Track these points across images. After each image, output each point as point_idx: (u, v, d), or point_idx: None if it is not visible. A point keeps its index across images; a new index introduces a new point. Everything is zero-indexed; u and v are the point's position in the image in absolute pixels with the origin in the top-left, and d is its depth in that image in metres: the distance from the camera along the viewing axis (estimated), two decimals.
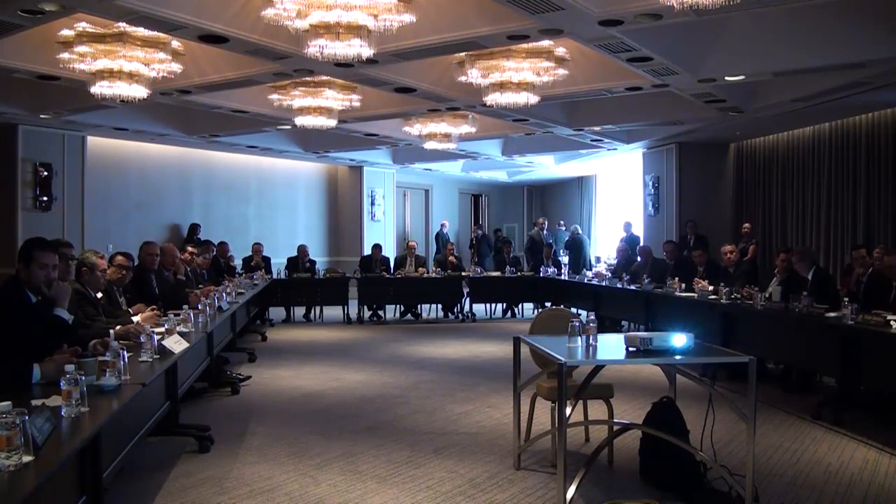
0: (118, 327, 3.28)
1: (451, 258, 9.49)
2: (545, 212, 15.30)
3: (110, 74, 4.81)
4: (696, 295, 5.68)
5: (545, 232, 12.40)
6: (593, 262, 11.20)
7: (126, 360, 2.54)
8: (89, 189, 8.36)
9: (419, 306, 9.31)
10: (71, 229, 7.91)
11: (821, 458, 3.37)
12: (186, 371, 3.74)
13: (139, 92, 5.02)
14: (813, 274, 4.92)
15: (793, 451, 3.47)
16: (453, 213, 14.42)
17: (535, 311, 9.36)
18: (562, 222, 13.20)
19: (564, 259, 10.69)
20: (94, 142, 8.59)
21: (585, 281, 8.07)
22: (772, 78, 5.67)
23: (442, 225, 12.70)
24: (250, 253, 9.07)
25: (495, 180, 14.31)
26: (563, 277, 8.83)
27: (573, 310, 7.71)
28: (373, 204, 11.97)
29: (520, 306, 9.66)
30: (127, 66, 4.81)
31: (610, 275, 7.83)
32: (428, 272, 9.20)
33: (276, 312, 8.86)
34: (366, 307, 8.90)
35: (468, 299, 9.26)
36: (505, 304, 9.58)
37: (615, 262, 9.12)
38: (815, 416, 4.01)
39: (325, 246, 11.94)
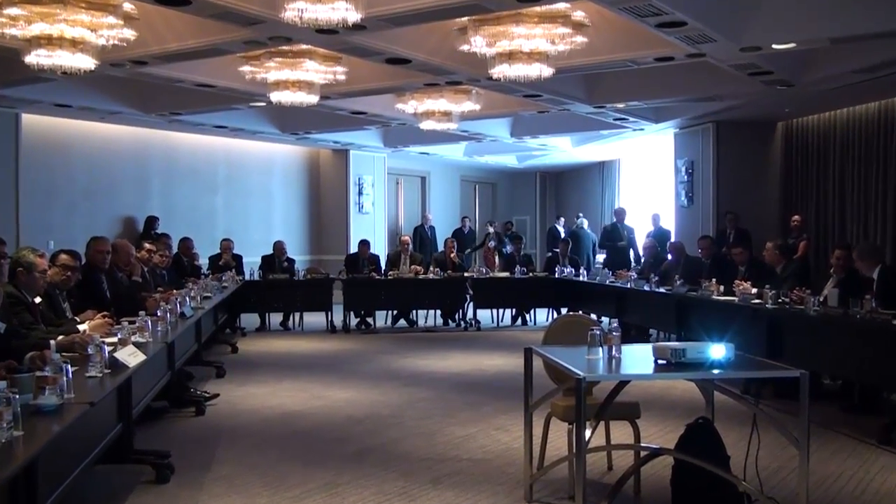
0: (61, 337, 3.27)
1: (451, 256, 9.54)
2: (561, 202, 15.32)
3: (49, 42, 4.67)
4: (736, 299, 5.65)
5: (560, 226, 12.42)
6: (597, 259, 11.28)
7: (70, 375, 2.52)
8: (25, 176, 8.26)
9: (415, 312, 9.36)
10: (3, 223, 7.77)
11: (891, 489, 3.32)
12: (143, 388, 3.74)
13: (85, 62, 4.86)
14: (879, 273, 4.82)
15: (856, 482, 3.42)
16: (453, 203, 14.44)
17: (550, 318, 9.36)
18: (580, 215, 13.09)
19: (599, 257, 10.61)
20: (31, 121, 8.46)
21: (608, 282, 8.10)
22: (828, 45, 5.61)
23: (423, 220, 12.54)
24: (218, 250, 9.08)
25: (503, 166, 14.33)
26: (581, 278, 8.87)
27: (593, 316, 7.75)
28: (360, 193, 12.00)
29: (532, 312, 9.69)
30: (69, 32, 4.67)
31: (635, 276, 7.84)
32: (426, 272, 9.23)
33: (249, 320, 8.89)
34: (352, 313, 8.95)
35: (472, 304, 9.29)
36: (514, 310, 9.61)
37: (642, 260, 9.14)
38: (883, 440, 3.96)
39: (306, 242, 11.96)
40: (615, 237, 10.28)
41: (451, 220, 13.51)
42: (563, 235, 11.46)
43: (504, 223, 13.76)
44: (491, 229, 11.92)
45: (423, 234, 12.06)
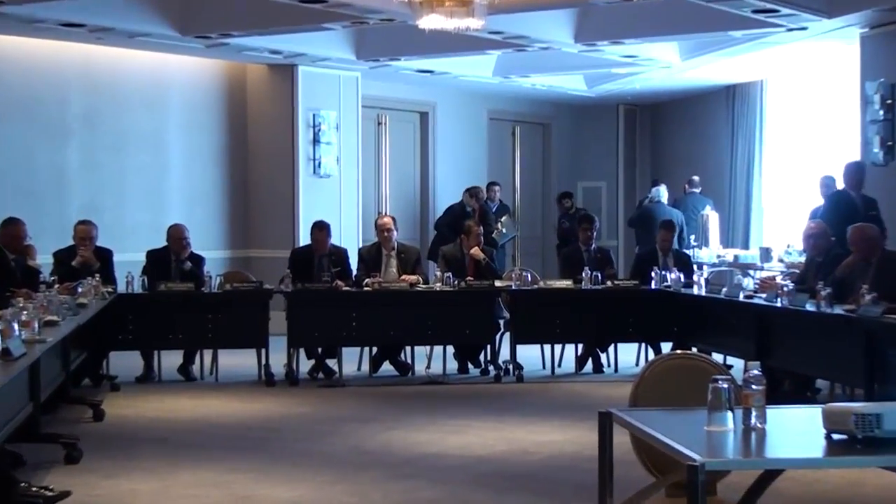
0: None
1: (472, 251, 9.46)
2: (661, 156, 15.22)
3: None
4: None
5: (660, 198, 12.51)
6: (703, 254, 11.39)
7: None
8: None
9: (409, 350, 9.37)
10: None
11: None
12: None
13: None
14: None
15: None
16: (475, 157, 14.46)
17: (642, 360, 9.36)
18: (695, 178, 13.27)
19: (716, 250, 10.61)
20: None
21: (742, 298, 8.08)
22: None
23: (474, 193, 12.62)
24: (70, 242, 8.98)
25: (562, 94, 14.32)
26: (697, 290, 8.87)
27: (718, 357, 7.74)
28: (316, 142, 12.05)
29: (611, 350, 9.69)
30: None
31: (791, 284, 7.77)
32: (428, 281, 9.22)
33: (125, 362, 8.93)
34: (303, 352, 9.05)
35: (508, 336, 9.32)
36: (581, 347, 9.60)
37: (800, 257, 9.13)
38: None
39: (224, 228, 12.08)
40: None
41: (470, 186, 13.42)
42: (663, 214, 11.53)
43: (559, 196, 13.74)
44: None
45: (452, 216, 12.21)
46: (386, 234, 9.50)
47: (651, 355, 8.93)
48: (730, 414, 3.04)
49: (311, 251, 9.46)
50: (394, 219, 9.91)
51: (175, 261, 9.14)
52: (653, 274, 9.27)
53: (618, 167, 15.49)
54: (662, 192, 12.56)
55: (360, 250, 9.90)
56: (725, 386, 3.05)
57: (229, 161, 12.24)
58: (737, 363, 8.19)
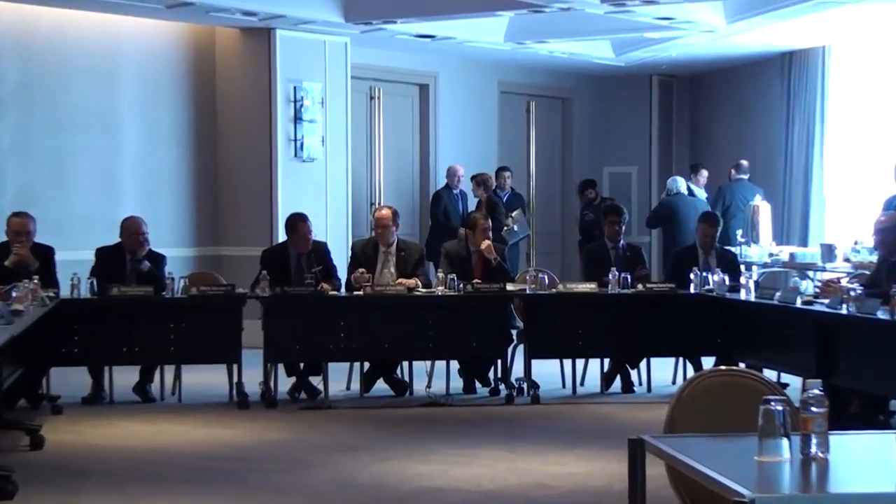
0: None
1: (483, 247, 9.44)
2: (702, 137, 15.15)
3: None
4: None
5: (698, 186, 12.72)
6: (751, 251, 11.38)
7: None
8: None
9: (406, 366, 9.34)
10: None
11: None
12: None
13: None
14: None
15: None
16: (484, 137, 14.51)
17: (680, 379, 9.31)
18: (743, 163, 13.28)
19: (768, 248, 10.55)
20: None
21: (800, 305, 8.04)
22: None
23: (482, 181, 12.73)
24: (2, 237, 9.01)
25: (586, 63, 14.31)
26: (743, 296, 8.80)
27: (770, 374, 7.68)
28: (298, 119, 12.00)
29: (643, 365, 9.63)
30: None
31: (859, 288, 7.71)
32: (430, 283, 9.21)
33: (69, 380, 8.88)
34: (282, 367, 9.01)
35: (522, 347, 9.31)
36: (608, 361, 9.55)
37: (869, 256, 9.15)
38: None
39: (188, 223, 12.05)
40: None
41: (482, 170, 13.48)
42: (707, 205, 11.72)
43: (582, 184, 13.79)
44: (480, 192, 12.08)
45: (449, 201, 12.37)
46: (383, 229, 9.48)
47: (690, 372, 8.93)
48: (785, 441, 3.01)
49: (285, 249, 9.40)
50: (395, 212, 9.78)
51: (130, 260, 9.02)
52: (692, 276, 9.14)
53: (650, 150, 15.42)
54: (680, 183, 12.60)
55: (353, 246, 9.94)
56: (780, 408, 3.03)
57: (195, 142, 12.12)
58: (793, 381, 8.09)
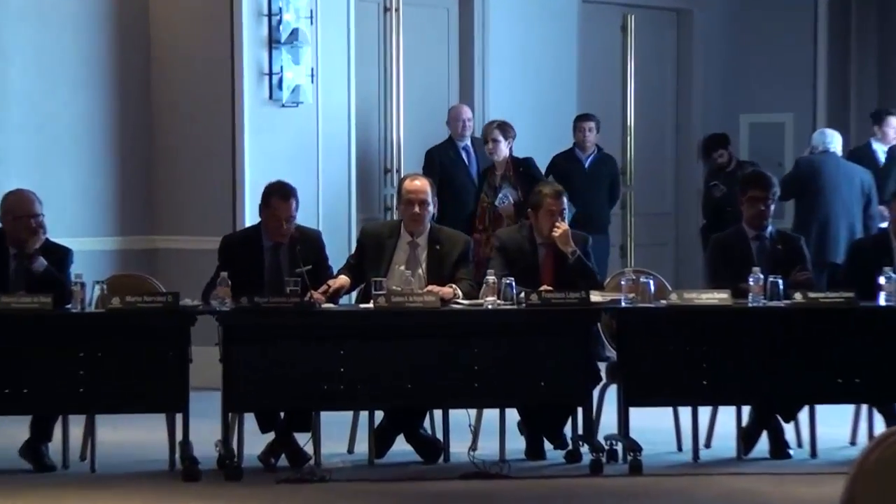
0: None
1: (558, 233, 8.95)
2: (890, 65, 14.41)
3: None
4: None
5: (824, 148, 12.75)
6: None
7: None
8: None
9: (436, 419, 8.94)
10: None
11: None
12: None
13: None
14: None
15: None
16: (565, 71, 13.90)
17: (862, 434, 8.97)
18: None
19: None
20: None
21: None
22: None
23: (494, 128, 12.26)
24: None
25: None
26: None
27: None
28: (275, 43, 11.24)
29: (803, 417, 9.27)
30: None
31: None
32: (472, 288, 8.73)
33: None
34: (251, 419, 8.59)
35: (615, 389, 8.87)
36: (750, 411, 9.23)
37: None
38: None
39: (108, 202, 11.45)
40: None
41: (557, 131, 12.96)
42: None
43: (703, 141, 13.47)
44: (503, 146, 12.22)
45: (450, 167, 12.13)
46: (418, 208, 9.00)
47: (880, 428, 8.56)
48: None
49: (256, 239, 8.87)
50: (432, 184, 9.37)
51: (15, 255, 8.70)
52: (882, 280, 8.62)
53: (815, 90, 14.52)
54: (832, 138, 12.47)
55: (363, 230, 9.58)
56: None
57: (116, 81, 11.15)
58: None
